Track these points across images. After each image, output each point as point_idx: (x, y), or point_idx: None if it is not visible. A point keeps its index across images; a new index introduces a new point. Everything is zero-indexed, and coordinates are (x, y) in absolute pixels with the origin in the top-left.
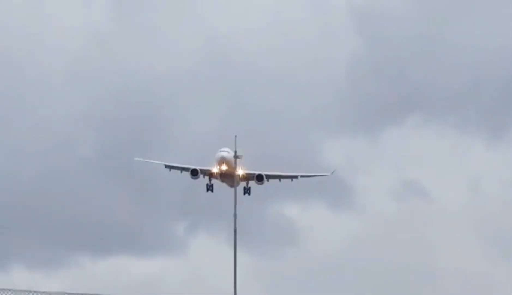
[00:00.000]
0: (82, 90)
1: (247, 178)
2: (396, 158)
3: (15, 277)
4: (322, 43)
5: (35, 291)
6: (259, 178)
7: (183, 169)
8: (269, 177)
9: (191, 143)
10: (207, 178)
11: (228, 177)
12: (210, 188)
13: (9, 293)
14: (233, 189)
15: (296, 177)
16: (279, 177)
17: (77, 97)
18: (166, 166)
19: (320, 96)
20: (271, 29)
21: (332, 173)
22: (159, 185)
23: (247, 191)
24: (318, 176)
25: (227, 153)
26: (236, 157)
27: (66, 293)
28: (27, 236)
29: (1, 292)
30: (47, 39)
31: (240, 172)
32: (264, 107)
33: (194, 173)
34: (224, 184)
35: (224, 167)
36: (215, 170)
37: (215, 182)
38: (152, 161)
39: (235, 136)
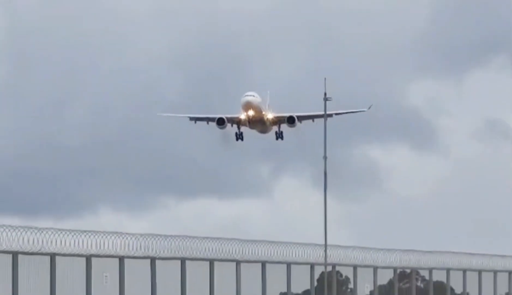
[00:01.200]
0: (161, 31)
1: (278, 121)
2: (481, 99)
3: (103, 219)
4: None
5: (122, 233)
6: (290, 120)
7: (208, 119)
8: (301, 118)
9: (277, 88)
10: (235, 126)
11: (257, 123)
12: (239, 136)
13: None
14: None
15: (331, 115)
16: (312, 117)
17: (158, 40)
18: (191, 119)
19: (402, 37)
20: None
21: (369, 108)
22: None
23: (279, 135)
24: (354, 112)
25: (253, 96)
26: (326, 99)
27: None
28: (114, 180)
29: (90, 234)
30: None
31: (269, 115)
32: (348, 48)
33: (221, 122)
34: (254, 131)
35: (251, 112)
36: (242, 116)
37: (245, 129)
38: (174, 115)
39: (325, 78)
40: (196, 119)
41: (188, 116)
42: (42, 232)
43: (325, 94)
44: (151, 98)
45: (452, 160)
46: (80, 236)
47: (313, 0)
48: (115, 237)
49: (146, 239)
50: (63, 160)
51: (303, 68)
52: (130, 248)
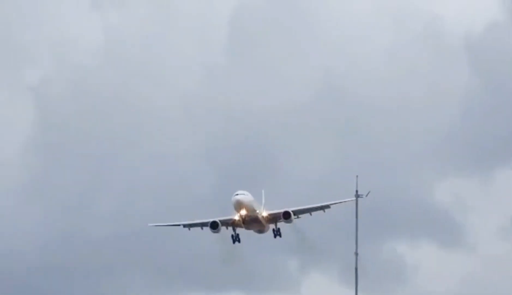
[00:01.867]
0: (198, 125)
1: (274, 218)
2: (507, 197)
3: None
4: (437, 79)
5: None
6: (286, 215)
7: (202, 225)
8: (297, 212)
9: (306, 185)
10: (230, 228)
11: (252, 223)
12: (236, 238)
13: None
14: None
15: (328, 206)
16: (309, 210)
17: (195, 133)
18: (185, 226)
19: (433, 133)
20: (384, 64)
21: (367, 195)
22: None
23: (277, 233)
24: (350, 200)
25: (243, 195)
26: (358, 196)
27: None
28: (134, 275)
29: None
30: (161, 78)
31: (264, 213)
32: (377, 144)
33: (214, 225)
34: (251, 231)
35: (243, 212)
36: (236, 217)
37: (241, 231)
38: (167, 224)
39: (357, 176)
40: (190, 226)
41: (182, 224)
42: None
43: (357, 191)
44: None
45: (479, 257)
46: None
47: (340, 95)
48: None
49: None
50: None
51: (331, 164)
52: None
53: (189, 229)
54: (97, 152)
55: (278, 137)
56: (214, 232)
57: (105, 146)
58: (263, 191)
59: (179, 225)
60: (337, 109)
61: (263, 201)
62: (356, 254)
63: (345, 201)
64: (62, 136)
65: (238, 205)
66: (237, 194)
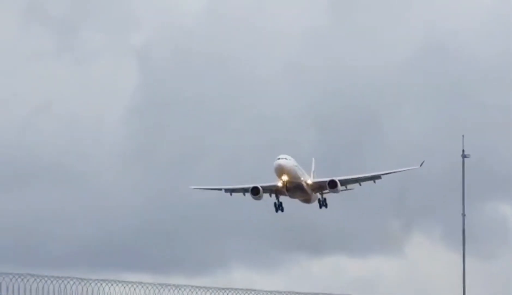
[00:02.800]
0: (299, 92)
1: (319, 187)
2: None
3: (235, 277)
4: None
5: (254, 290)
6: (332, 185)
7: (244, 190)
8: (344, 182)
9: (409, 145)
10: (274, 196)
11: (296, 190)
12: (279, 207)
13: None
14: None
15: (378, 176)
16: (357, 180)
17: (295, 98)
18: (226, 190)
19: None
20: (490, 21)
21: (421, 165)
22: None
23: (323, 203)
24: (404, 170)
25: (285, 159)
26: (464, 156)
27: (285, 292)
28: (247, 238)
29: (223, 291)
30: (262, 42)
31: (309, 181)
32: (481, 105)
33: (255, 191)
34: (297, 200)
35: (285, 177)
36: (279, 183)
37: (286, 199)
38: (209, 187)
39: (463, 136)
40: (232, 191)
41: (223, 188)
42: (177, 289)
43: (463, 151)
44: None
45: None
46: (212, 292)
47: (444, 53)
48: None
49: None
50: (197, 217)
51: (435, 124)
52: None
53: (231, 195)
54: (200, 115)
55: (382, 98)
56: (255, 198)
57: (208, 110)
58: (313, 159)
59: (220, 189)
60: (441, 69)
61: (313, 168)
62: (463, 215)
63: (399, 171)
64: (165, 99)
65: (280, 170)
66: (279, 158)
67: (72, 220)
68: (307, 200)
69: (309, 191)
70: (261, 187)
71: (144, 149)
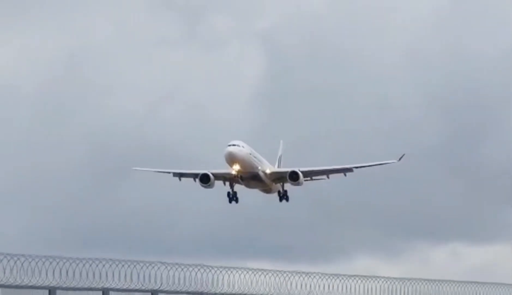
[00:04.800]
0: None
1: (280, 178)
2: None
3: (356, 264)
4: None
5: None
6: (293, 176)
7: (194, 176)
8: (309, 173)
9: None
10: (228, 184)
11: (252, 180)
12: (233, 197)
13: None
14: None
15: (350, 169)
16: (324, 173)
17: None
18: (175, 174)
19: None
20: None
21: (400, 159)
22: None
23: (283, 196)
24: (379, 164)
25: (237, 146)
26: None
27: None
28: (367, 226)
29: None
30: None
31: (267, 170)
32: None
33: (205, 179)
34: (256, 190)
35: (236, 167)
36: (233, 172)
37: (241, 189)
38: (153, 170)
39: None
40: (180, 175)
41: (172, 172)
42: (299, 275)
43: None
44: None
45: None
46: (333, 279)
47: None
48: (369, 281)
49: (400, 283)
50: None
51: None
52: (384, 292)
53: (180, 180)
54: (323, 102)
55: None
56: (205, 187)
57: (331, 96)
58: (281, 141)
59: (169, 172)
60: None
61: (280, 153)
62: None
63: (374, 165)
64: (291, 86)
65: (230, 158)
66: (229, 145)
67: (198, 211)
68: (267, 191)
69: (267, 181)
70: (213, 174)
71: (268, 136)
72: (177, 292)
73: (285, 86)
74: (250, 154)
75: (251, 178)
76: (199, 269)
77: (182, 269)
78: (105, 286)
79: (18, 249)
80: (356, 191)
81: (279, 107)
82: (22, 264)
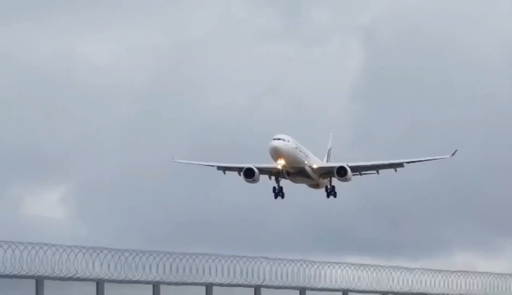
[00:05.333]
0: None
1: (328, 173)
2: None
3: (456, 259)
4: None
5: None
6: (341, 172)
7: (239, 169)
8: (358, 168)
9: None
10: (273, 178)
11: (298, 175)
12: (279, 192)
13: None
14: None
15: (401, 164)
16: (374, 168)
17: None
18: (219, 168)
19: None
20: None
21: (453, 154)
22: None
23: (331, 191)
24: (431, 159)
25: (282, 141)
26: None
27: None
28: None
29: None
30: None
31: (314, 165)
32: None
33: (249, 174)
34: (303, 185)
35: (281, 161)
36: (279, 166)
37: (287, 183)
38: (196, 162)
39: None
40: (225, 169)
41: (216, 166)
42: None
43: None
44: None
45: None
46: (434, 275)
47: None
48: (470, 277)
49: (502, 278)
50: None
51: None
52: (486, 288)
53: (224, 173)
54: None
55: None
56: (249, 182)
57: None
58: (331, 134)
59: (213, 166)
60: None
61: (329, 146)
62: None
63: (426, 160)
64: (391, 80)
65: (275, 153)
66: (274, 139)
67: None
68: (314, 186)
69: (314, 176)
70: (258, 168)
71: (368, 131)
72: (280, 287)
73: (385, 80)
74: (296, 148)
75: (297, 173)
76: (301, 264)
77: (285, 264)
78: (209, 281)
79: (122, 244)
80: (452, 182)
81: (379, 101)
82: (126, 259)
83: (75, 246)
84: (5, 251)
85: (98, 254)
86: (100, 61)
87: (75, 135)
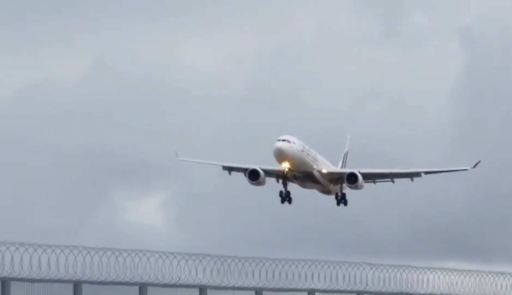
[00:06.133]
0: None
1: (338, 179)
2: None
3: None
4: None
5: None
6: (351, 179)
7: (244, 170)
8: (371, 176)
9: None
10: (281, 182)
11: (306, 180)
12: (286, 196)
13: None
14: None
15: (418, 174)
16: (388, 176)
17: None
18: (224, 168)
19: None
20: None
21: (475, 166)
22: None
23: (341, 199)
24: (451, 171)
25: (287, 142)
26: None
27: None
28: None
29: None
30: None
31: (323, 170)
32: None
33: (254, 176)
34: (314, 190)
35: (286, 164)
36: (285, 169)
37: (294, 187)
38: (199, 161)
39: None
40: (230, 169)
41: (222, 165)
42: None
43: None
44: None
45: None
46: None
47: None
48: None
49: None
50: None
51: None
52: None
53: (230, 174)
54: None
55: None
56: (254, 184)
57: None
58: (348, 137)
59: (218, 165)
60: None
61: (346, 149)
62: None
63: (444, 171)
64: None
65: (279, 154)
66: (278, 140)
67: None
68: (326, 191)
69: (323, 181)
70: (264, 170)
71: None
72: (382, 293)
73: (485, 83)
74: (302, 151)
75: (305, 177)
76: (404, 270)
77: (388, 270)
78: (311, 287)
79: (224, 250)
80: None
81: (479, 104)
82: (229, 265)
83: (178, 253)
84: (108, 258)
85: (200, 261)
86: (200, 67)
87: (176, 142)
